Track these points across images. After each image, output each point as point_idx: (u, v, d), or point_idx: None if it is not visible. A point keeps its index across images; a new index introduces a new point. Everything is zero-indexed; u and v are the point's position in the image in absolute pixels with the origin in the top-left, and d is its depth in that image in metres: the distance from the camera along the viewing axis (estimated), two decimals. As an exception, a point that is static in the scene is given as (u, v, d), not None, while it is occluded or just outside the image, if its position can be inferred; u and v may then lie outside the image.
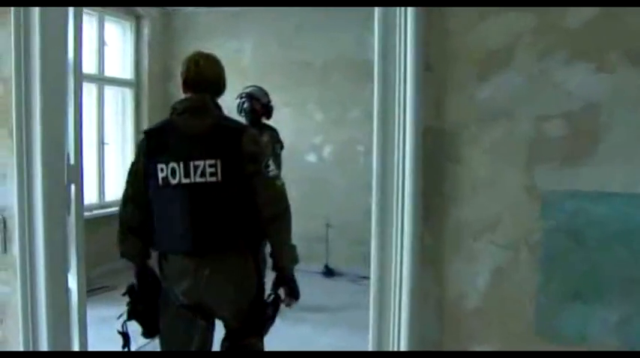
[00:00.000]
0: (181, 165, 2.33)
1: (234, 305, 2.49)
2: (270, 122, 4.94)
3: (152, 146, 2.42)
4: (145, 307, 2.52)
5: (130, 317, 2.54)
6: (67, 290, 2.29)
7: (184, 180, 2.33)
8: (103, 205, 6.14)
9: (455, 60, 1.66)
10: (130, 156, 6.58)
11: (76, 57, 2.25)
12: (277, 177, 2.50)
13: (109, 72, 6.32)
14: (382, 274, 1.78)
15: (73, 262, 2.33)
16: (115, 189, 6.45)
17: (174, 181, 2.34)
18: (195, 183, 2.33)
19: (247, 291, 2.49)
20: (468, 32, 1.64)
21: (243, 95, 4.82)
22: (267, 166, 2.42)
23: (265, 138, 4.57)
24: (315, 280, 5.89)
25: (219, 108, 2.47)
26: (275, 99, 4.98)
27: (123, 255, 2.53)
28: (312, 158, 6.32)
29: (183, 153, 2.35)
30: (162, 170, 2.36)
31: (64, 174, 2.20)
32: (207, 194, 2.34)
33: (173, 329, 2.51)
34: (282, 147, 4.84)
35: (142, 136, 2.52)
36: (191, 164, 2.33)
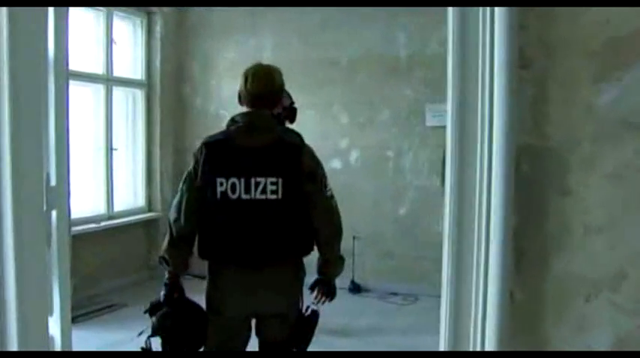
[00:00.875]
0: (242, 180, 2.36)
1: (284, 317, 2.54)
2: (293, 126, 4.50)
3: (211, 158, 2.41)
4: (172, 322, 2.49)
5: (155, 333, 2.49)
6: (48, 338, 1.88)
7: (244, 196, 2.37)
8: (112, 216, 5.73)
9: (563, 52, 1.20)
10: (141, 162, 6.23)
11: (59, 55, 1.83)
12: (333, 196, 2.53)
13: (119, 72, 5.89)
14: (455, 344, 1.32)
15: (56, 303, 1.92)
16: (126, 198, 6.09)
17: (233, 196, 2.37)
18: (256, 200, 2.37)
19: (295, 303, 2.55)
20: (583, 14, 1.18)
21: None
22: (326, 186, 2.48)
23: None
24: (340, 297, 5.36)
25: (280, 121, 2.63)
26: (298, 101, 4.56)
27: (165, 260, 2.53)
28: (337, 164, 5.88)
29: (244, 168, 2.38)
30: (221, 184, 2.38)
31: (43, 198, 1.79)
32: (267, 210, 2.38)
33: (221, 340, 2.52)
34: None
35: (200, 146, 2.47)
36: (252, 180, 2.36)
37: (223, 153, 2.41)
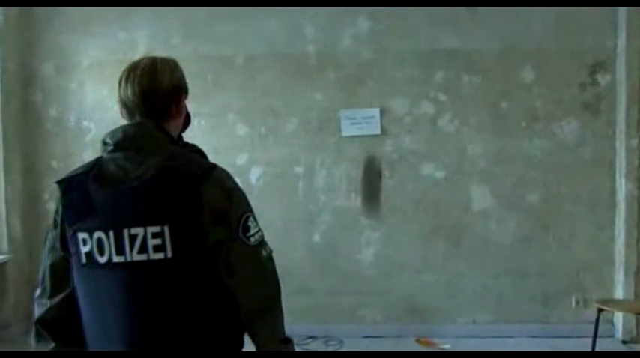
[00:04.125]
0: (111, 234, 1.69)
1: None
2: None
3: (68, 203, 1.76)
4: None
5: None
6: None
7: (116, 258, 1.68)
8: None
9: None
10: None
11: None
12: (262, 243, 1.78)
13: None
14: None
15: None
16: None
17: (101, 259, 1.70)
18: (133, 263, 1.68)
19: None
20: None
21: None
22: (246, 228, 1.73)
23: None
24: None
25: (173, 140, 1.81)
26: None
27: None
28: (234, 185, 5.09)
29: (113, 215, 1.69)
30: (84, 241, 1.72)
31: None
32: (152, 278, 1.69)
33: None
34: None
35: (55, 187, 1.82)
36: (125, 233, 1.68)
37: (83, 194, 1.73)
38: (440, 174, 5.00)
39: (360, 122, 5.02)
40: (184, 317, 1.71)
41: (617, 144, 4.84)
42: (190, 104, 4.17)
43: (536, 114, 4.91)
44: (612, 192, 4.87)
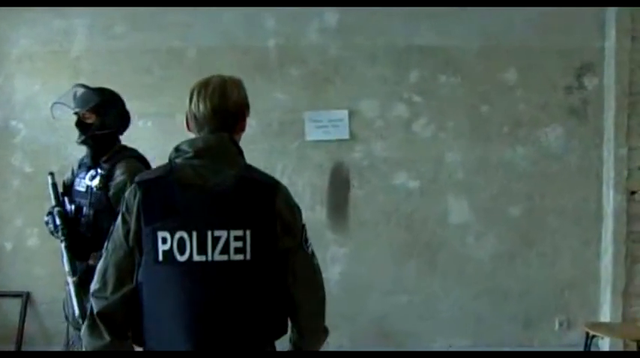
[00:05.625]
0: (194, 235, 1.95)
1: None
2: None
3: (149, 204, 1.99)
4: None
5: None
6: None
7: (197, 257, 1.94)
8: None
9: None
10: None
11: None
12: (314, 254, 2.16)
13: None
14: None
15: None
16: None
17: (181, 258, 1.95)
18: (214, 263, 1.94)
19: None
20: None
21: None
22: (307, 240, 2.11)
23: (121, 176, 3.02)
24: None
25: (241, 152, 2.12)
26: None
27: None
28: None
29: (197, 218, 1.95)
30: (164, 240, 1.95)
31: None
32: (231, 277, 1.97)
33: None
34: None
35: (132, 187, 2.06)
36: (209, 234, 1.95)
37: (165, 196, 1.99)
38: (414, 185, 4.79)
39: (327, 125, 4.83)
40: (254, 310, 2.00)
41: (605, 153, 4.69)
42: (135, 103, 3.87)
43: (520, 120, 4.73)
44: (599, 205, 4.73)
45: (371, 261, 4.83)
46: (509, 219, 4.77)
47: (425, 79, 4.76)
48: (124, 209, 2.07)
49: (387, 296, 4.82)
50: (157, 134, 4.75)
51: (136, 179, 2.09)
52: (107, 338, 2.04)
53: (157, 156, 4.47)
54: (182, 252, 1.96)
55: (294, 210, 2.07)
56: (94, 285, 2.10)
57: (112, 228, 2.12)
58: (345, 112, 4.79)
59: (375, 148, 4.80)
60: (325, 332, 2.25)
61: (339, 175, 4.84)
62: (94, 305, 2.07)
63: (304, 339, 2.21)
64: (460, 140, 4.77)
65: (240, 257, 1.97)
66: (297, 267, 2.07)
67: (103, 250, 2.13)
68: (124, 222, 2.06)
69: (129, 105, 3.39)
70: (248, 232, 1.96)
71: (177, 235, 1.97)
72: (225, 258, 1.96)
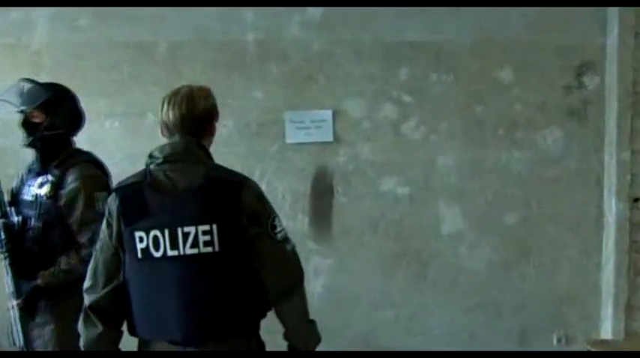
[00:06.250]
0: (166, 232, 2.27)
1: None
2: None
3: (126, 207, 2.33)
4: None
5: None
6: None
7: (171, 253, 2.27)
8: None
9: None
10: None
11: None
12: (287, 239, 2.41)
13: None
14: None
15: None
16: None
17: (157, 253, 2.28)
18: (186, 256, 2.27)
19: None
20: None
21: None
22: (274, 226, 2.37)
23: (73, 183, 2.84)
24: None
25: (209, 154, 2.43)
26: (90, 108, 3.33)
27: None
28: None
29: (167, 216, 2.28)
30: (141, 239, 2.29)
31: None
32: (202, 268, 2.29)
33: None
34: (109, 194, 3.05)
35: (112, 194, 2.41)
36: (179, 231, 2.27)
37: (140, 198, 2.31)
38: (403, 191, 4.65)
39: (309, 127, 4.68)
40: (226, 297, 2.28)
41: (607, 157, 4.56)
42: (101, 101, 3.64)
43: (516, 121, 4.59)
44: (600, 212, 4.61)
45: (356, 272, 4.70)
46: (505, 227, 4.65)
47: (415, 77, 4.62)
48: (107, 213, 2.39)
49: (373, 310, 4.70)
50: (125, 135, 4.57)
51: (115, 185, 2.44)
52: (100, 327, 2.35)
53: (125, 159, 4.38)
54: (157, 248, 2.26)
55: (262, 201, 2.37)
56: (86, 283, 2.40)
57: (99, 233, 2.43)
58: (329, 112, 4.64)
59: (362, 151, 4.66)
60: (310, 322, 2.47)
61: (322, 181, 4.71)
62: (86, 300, 2.37)
63: (289, 331, 2.45)
64: (452, 143, 4.63)
65: (209, 249, 2.25)
66: (264, 252, 2.32)
67: (93, 251, 2.44)
68: (108, 225, 2.37)
69: (94, 104, 3.22)
70: (215, 226, 2.25)
71: (152, 234, 2.27)
72: (195, 251, 2.25)
